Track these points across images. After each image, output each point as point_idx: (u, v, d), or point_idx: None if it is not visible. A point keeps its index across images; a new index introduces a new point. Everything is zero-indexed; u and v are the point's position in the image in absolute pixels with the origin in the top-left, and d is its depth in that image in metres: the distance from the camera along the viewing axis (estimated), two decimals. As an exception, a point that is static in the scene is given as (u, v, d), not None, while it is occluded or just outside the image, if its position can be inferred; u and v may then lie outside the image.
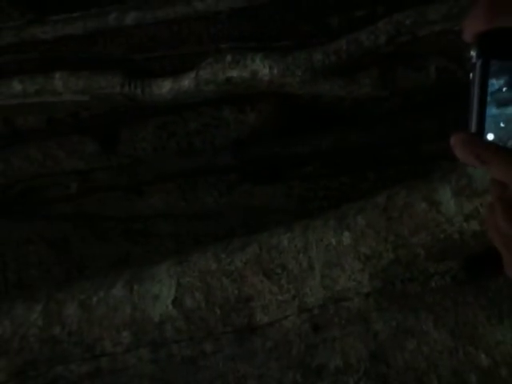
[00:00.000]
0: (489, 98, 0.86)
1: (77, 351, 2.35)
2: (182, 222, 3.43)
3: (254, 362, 2.15)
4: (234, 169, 3.34)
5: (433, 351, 1.94)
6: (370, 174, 3.17)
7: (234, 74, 2.62)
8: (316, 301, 2.14)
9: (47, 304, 2.44)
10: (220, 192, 3.40)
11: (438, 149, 2.63)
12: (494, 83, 0.86)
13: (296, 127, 3.14)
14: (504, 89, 0.86)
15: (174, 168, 3.39)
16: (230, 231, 3.07)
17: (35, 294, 2.54)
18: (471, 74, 0.86)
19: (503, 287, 1.97)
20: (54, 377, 2.36)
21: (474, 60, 0.85)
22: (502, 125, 0.86)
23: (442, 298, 2.02)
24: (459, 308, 1.97)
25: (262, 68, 2.56)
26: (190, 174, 3.40)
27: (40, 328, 2.40)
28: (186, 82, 2.69)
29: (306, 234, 2.20)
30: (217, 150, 3.25)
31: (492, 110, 0.87)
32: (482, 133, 0.86)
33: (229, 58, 2.62)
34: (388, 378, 1.97)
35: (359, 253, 2.11)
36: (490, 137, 0.86)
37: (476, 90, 0.86)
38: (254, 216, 3.21)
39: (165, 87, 2.73)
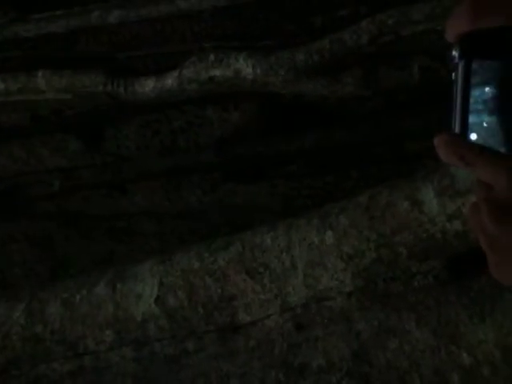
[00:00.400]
0: (472, 100, 0.86)
1: (59, 349, 2.35)
2: (165, 220, 3.42)
3: (236, 360, 2.15)
4: (217, 167, 3.34)
5: (415, 350, 1.95)
6: (354, 173, 3.18)
7: (217, 72, 2.62)
8: (299, 300, 2.15)
9: (30, 302, 2.43)
10: (204, 191, 3.39)
11: (422, 148, 2.63)
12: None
13: (279, 126, 3.14)
14: (486, 88, 0.85)
15: (157, 166, 3.39)
16: (213, 230, 3.07)
17: (18, 292, 2.54)
18: (453, 74, 0.86)
19: (485, 287, 1.98)
20: (37, 375, 2.36)
21: (456, 60, 0.85)
22: (484, 124, 0.86)
23: (424, 298, 2.02)
24: (441, 307, 1.97)
25: (245, 67, 2.57)
26: (173, 173, 3.39)
27: (23, 326, 2.39)
28: (169, 80, 2.69)
29: (289, 233, 2.20)
30: (200, 148, 3.25)
31: (475, 109, 0.87)
32: (465, 133, 0.85)
33: (212, 57, 2.62)
34: (370, 377, 1.98)
35: (342, 252, 2.11)
36: (473, 137, 0.86)
37: (459, 90, 0.86)
38: (238, 215, 3.21)
39: (148, 86, 2.73)
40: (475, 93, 0.85)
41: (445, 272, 2.07)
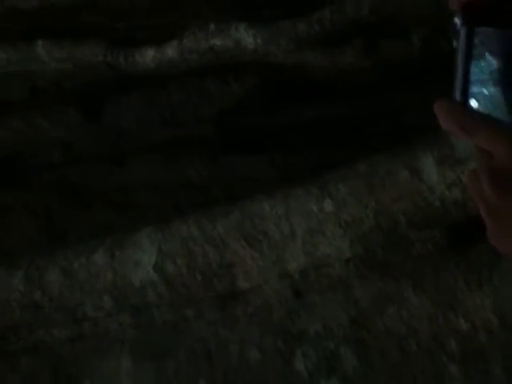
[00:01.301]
0: (477, 69, 0.86)
1: (58, 316, 2.35)
2: (165, 192, 3.42)
3: (235, 327, 2.16)
4: (217, 140, 3.34)
5: (413, 317, 1.96)
6: (353, 145, 3.17)
7: (217, 42, 2.61)
8: (297, 267, 2.15)
9: (28, 270, 2.44)
10: (203, 163, 3.39)
11: (422, 119, 2.63)
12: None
13: (280, 98, 3.14)
14: (491, 58, 0.85)
15: (157, 139, 3.39)
16: (213, 201, 3.07)
17: (17, 260, 2.54)
18: (455, 42, 0.85)
19: (483, 254, 1.98)
20: (36, 341, 2.37)
21: (458, 27, 0.85)
22: (487, 94, 0.86)
23: (422, 265, 2.03)
24: (440, 275, 1.98)
25: (245, 37, 2.56)
26: (172, 145, 3.39)
27: (21, 293, 2.40)
28: (170, 50, 2.69)
29: (288, 201, 2.21)
30: (200, 120, 3.25)
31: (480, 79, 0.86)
32: (466, 101, 0.85)
33: (212, 26, 2.61)
34: (368, 343, 1.99)
35: (340, 219, 2.11)
36: (475, 105, 0.86)
37: (460, 58, 0.85)
38: (237, 187, 3.21)
39: (148, 56, 2.73)
40: (480, 63, 0.85)
41: (443, 240, 2.07)
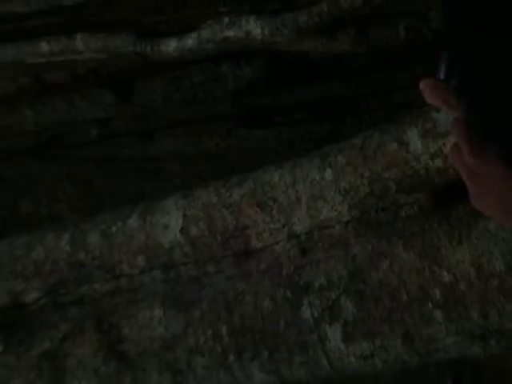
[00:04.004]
0: None
1: (99, 273, 2.35)
2: (188, 162, 3.42)
3: (250, 281, 2.15)
4: (232, 116, 3.33)
5: (403, 270, 1.94)
6: (350, 120, 3.15)
7: (230, 33, 2.59)
8: (303, 228, 2.14)
9: (74, 233, 2.43)
10: (220, 136, 3.38)
11: (408, 97, 2.61)
12: None
13: (285, 80, 3.12)
14: None
15: (180, 116, 3.38)
16: (229, 170, 3.06)
17: (63, 224, 2.54)
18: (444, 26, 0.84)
19: (463, 215, 1.96)
20: (81, 295, 2.37)
21: None
22: None
23: (410, 225, 2.02)
24: (425, 233, 1.97)
25: (254, 28, 2.54)
26: (194, 121, 3.39)
27: (68, 253, 2.40)
28: (189, 41, 2.67)
29: (294, 171, 2.19)
30: (217, 100, 3.23)
31: None
32: (449, 80, 0.84)
33: (226, 20, 2.60)
34: (364, 293, 1.98)
35: (339, 187, 2.10)
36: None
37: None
38: (250, 157, 3.20)
39: (171, 46, 2.71)
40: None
41: (428, 203, 2.05)
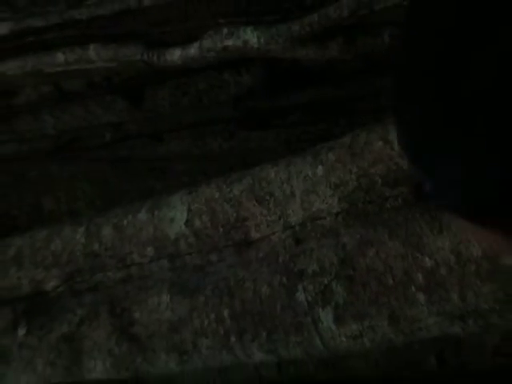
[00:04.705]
0: None
1: (112, 262, 2.35)
2: (194, 162, 3.41)
3: (249, 268, 2.15)
4: (233, 119, 3.32)
5: (388, 257, 1.93)
6: (341, 122, 3.14)
7: (229, 43, 2.59)
8: (297, 220, 2.13)
9: (88, 226, 2.44)
10: (223, 138, 3.38)
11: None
12: None
13: (282, 85, 3.11)
14: None
15: (187, 120, 3.38)
16: (231, 168, 3.05)
17: (79, 218, 2.55)
18: None
19: (443, 206, 1.95)
20: (95, 282, 2.37)
21: None
22: None
23: (395, 216, 2.01)
24: (408, 223, 1.96)
25: (251, 38, 2.54)
26: (199, 124, 3.38)
27: (83, 245, 2.40)
28: (192, 50, 2.67)
29: (289, 168, 2.18)
30: (220, 104, 3.23)
31: None
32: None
33: (225, 30, 2.59)
34: (354, 278, 1.97)
35: (330, 182, 2.09)
36: None
37: None
38: (250, 156, 3.19)
39: (175, 54, 2.71)
40: None
41: (411, 196, 2.04)
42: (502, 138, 0.61)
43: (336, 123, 3.14)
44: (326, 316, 1.98)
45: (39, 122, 3.43)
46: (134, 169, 3.48)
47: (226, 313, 2.10)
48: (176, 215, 2.28)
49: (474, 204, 0.69)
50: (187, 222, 2.25)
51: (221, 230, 2.22)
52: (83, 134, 3.50)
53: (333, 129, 3.12)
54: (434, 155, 0.71)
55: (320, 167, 2.12)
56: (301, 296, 2.01)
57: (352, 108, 3.08)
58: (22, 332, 2.33)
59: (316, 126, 3.18)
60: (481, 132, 0.63)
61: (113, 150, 3.50)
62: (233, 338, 2.09)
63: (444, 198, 0.74)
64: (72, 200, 3.55)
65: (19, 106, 3.36)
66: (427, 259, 1.88)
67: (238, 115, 3.27)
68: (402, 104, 0.75)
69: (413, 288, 1.89)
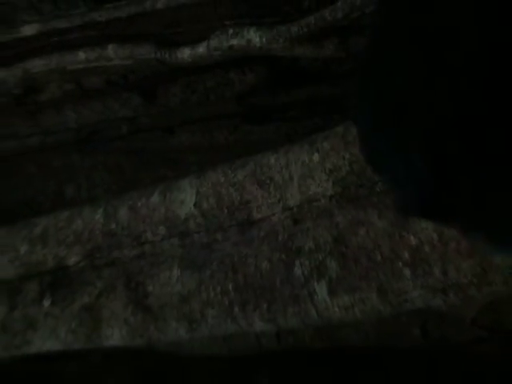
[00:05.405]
0: None
1: (128, 240, 2.35)
2: (202, 153, 3.41)
3: (252, 246, 2.14)
4: (238, 114, 3.31)
5: (377, 235, 1.93)
6: (335, 116, 3.13)
7: (234, 42, 2.58)
8: (295, 202, 2.13)
9: (106, 208, 2.43)
10: (229, 131, 3.37)
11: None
12: None
13: (282, 83, 3.10)
14: None
15: (196, 114, 3.37)
16: (235, 158, 3.06)
17: (98, 201, 2.54)
18: None
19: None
20: (113, 259, 2.37)
21: None
22: None
23: (383, 198, 2.00)
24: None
25: (254, 38, 2.53)
26: (207, 119, 3.38)
27: (102, 224, 2.40)
28: (201, 49, 2.67)
29: (287, 155, 2.18)
30: (226, 101, 3.22)
31: None
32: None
33: (231, 31, 2.59)
34: (346, 255, 1.97)
35: (325, 167, 2.08)
36: None
37: None
38: (253, 147, 3.19)
39: (185, 53, 2.71)
40: None
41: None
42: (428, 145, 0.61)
43: (330, 118, 3.13)
44: (321, 289, 1.98)
45: (62, 116, 3.43)
46: (148, 159, 3.48)
47: (230, 286, 2.10)
48: (186, 198, 2.28)
49: (411, 207, 0.68)
50: (196, 204, 2.25)
51: (226, 211, 2.22)
52: (102, 127, 3.50)
53: (327, 123, 3.12)
54: (382, 159, 0.71)
55: (316, 154, 2.12)
56: (298, 271, 2.01)
57: (346, 104, 3.07)
58: (47, 303, 2.34)
59: (312, 121, 3.17)
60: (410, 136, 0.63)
61: (128, 141, 3.50)
62: (236, 309, 2.09)
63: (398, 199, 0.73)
64: (91, 187, 3.55)
65: (44, 102, 3.36)
66: (412, 238, 1.88)
67: (242, 110, 3.26)
68: (359, 117, 0.76)
69: (399, 264, 1.89)
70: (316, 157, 2.11)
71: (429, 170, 0.61)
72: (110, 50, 2.80)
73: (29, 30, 2.91)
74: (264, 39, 2.50)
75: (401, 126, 0.64)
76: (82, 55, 2.85)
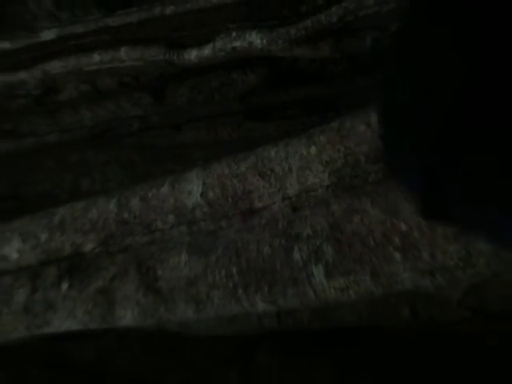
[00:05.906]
0: None
1: (139, 228, 2.36)
2: (207, 148, 3.41)
3: (254, 232, 2.15)
4: (240, 112, 3.31)
5: (371, 222, 1.94)
6: (330, 114, 3.13)
7: (237, 44, 2.59)
8: (294, 192, 2.13)
9: (119, 198, 2.44)
10: (232, 128, 3.37)
11: (375, 96, 2.59)
12: None
13: (281, 83, 3.10)
14: None
15: (202, 113, 3.37)
16: (239, 153, 3.06)
17: (112, 192, 2.55)
18: None
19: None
20: (125, 245, 2.38)
21: None
22: None
23: (376, 187, 2.01)
24: (387, 194, 1.96)
25: (255, 40, 2.54)
26: (212, 117, 3.37)
27: (115, 213, 2.40)
28: (206, 50, 2.67)
29: (287, 148, 2.18)
30: (229, 100, 3.22)
31: None
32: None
33: (234, 33, 2.59)
34: (341, 241, 1.97)
35: (322, 160, 2.09)
36: None
37: None
38: (254, 144, 3.19)
39: (192, 54, 2.71)
40: None
41: (390, 170, 2.04)
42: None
43: (326, 116, 3.14)
44: (318, 272, 1.98)
45: (78, 115, 3.43)
46: (157, 154, 3.48)
47: (234, 269, 2.11)
48: (193, 188, 2.29)
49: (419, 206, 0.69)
50: (202, 194, 2.26)
51: (230, 200, 2.23)
52: (114, 124, 3.50)
53: (323, 120, 3.12)
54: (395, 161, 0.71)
55: (313, 147, 2.12)
56: (297, 255, 2.02)
57: (342, 102, 3.07)
58: (65, 286, 2.35)
59: (310, 118, 3.17)
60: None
61: (139, 138, 3.50)
62: (240, 291, 2.09)
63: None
64: (105, 180, 3.55)
65: (62, 101, 3.36)
66: (402, 224, 1.88)
67: (245, 109, 3.26)
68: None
69: (390, 248, 1.89)
70: (313, 150, 2.12)
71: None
72: (123, 52, 2.81)
73: (48, 35, 2.92)
74: (264, 41, 2.51)
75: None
76: (96, 57, 2.85)
